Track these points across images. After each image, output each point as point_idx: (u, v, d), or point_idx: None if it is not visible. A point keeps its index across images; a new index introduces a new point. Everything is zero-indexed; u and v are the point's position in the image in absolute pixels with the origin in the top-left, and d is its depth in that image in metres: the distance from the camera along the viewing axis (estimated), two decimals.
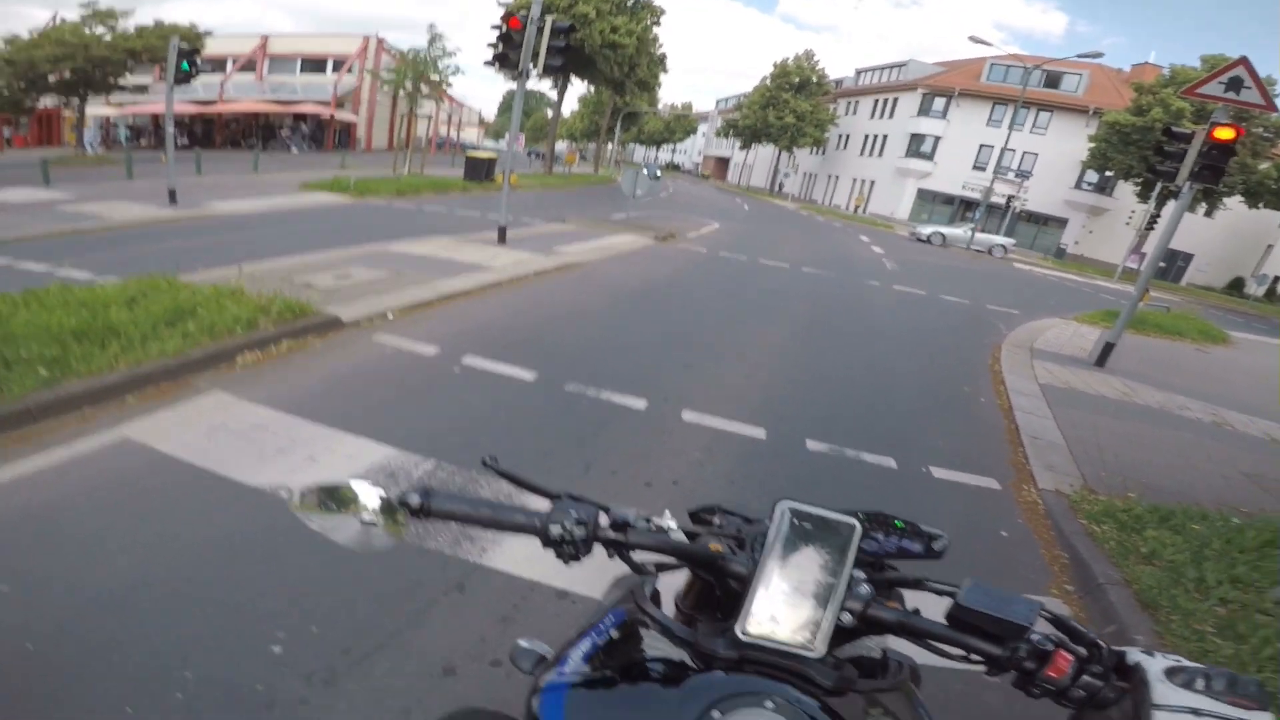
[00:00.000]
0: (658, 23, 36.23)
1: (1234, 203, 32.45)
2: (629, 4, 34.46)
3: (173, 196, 13.33)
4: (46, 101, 27.04)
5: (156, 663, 2.15)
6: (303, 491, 0.85)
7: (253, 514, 3.03)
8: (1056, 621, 0.78)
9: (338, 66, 40.21)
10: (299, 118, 38.30)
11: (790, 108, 48.40)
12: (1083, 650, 0.75)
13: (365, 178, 18.72)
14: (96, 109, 31.93)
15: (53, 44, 23.79)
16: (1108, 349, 9.00)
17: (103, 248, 9.27)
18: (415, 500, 0.84)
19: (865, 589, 0.79)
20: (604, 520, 0.86)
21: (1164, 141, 8.64)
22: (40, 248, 9.13)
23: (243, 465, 3.44)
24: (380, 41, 40.91)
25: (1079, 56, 29.97)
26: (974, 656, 0.78)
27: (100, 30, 24.81)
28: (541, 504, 0.89)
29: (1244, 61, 7.87)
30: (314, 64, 40.90)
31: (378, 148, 41.94)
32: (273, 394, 4.37)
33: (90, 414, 3.86)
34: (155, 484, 3.22)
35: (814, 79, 49.81)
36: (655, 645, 0.86)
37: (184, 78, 13.01)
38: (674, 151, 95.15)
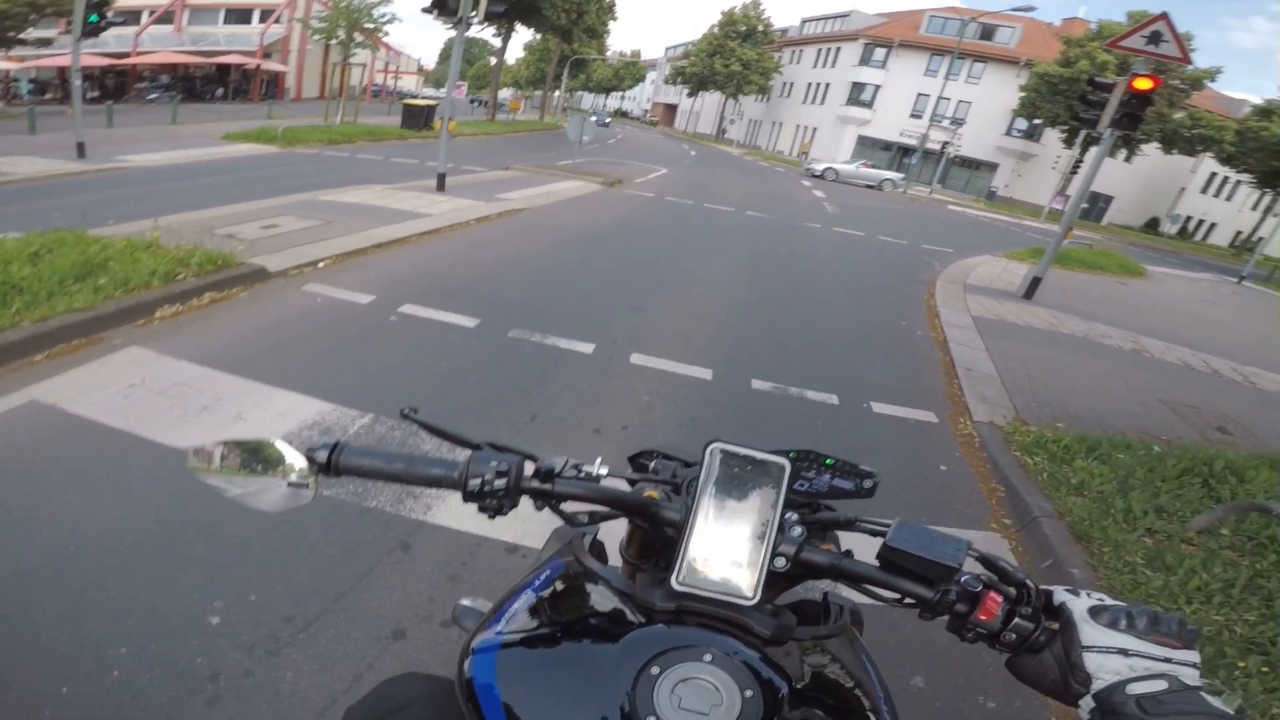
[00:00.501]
0: None
1: (1151, 149, 34.34)
2: None
3: (81, 150, 12.30)
4: None
5: (88, 639, 2.02)
6: (196, 450, 0.80)
7: (176, 477, 2.83)
8: (985, 561, 0.76)
9: (265, 17, 37.55)
10: (221, 68, 35.79)
11: (737, 56, 48.35)
12: (1011, 590, 0.73)
13: (294, 126, 17.56)
14: None
15: None
16: (1035, 283, 9.43)
17: (5, 202, 8.52)
18: (322, 456, 0.79)
19: (798, 531, 0.77)
20: (529, 470, 0.81)
21: (1089, 91, 9.04)
22: None
23: (164, 426, 3.23)
24: None
25: (1013, 10, 30.67)
26: (907, 600, 0.76)
27: None
28: (464, 456, 0.82)
29: (1164, 17, 8.25)
30: (239, 14, 38.02)
31: (308, 97, 39.55)
32: (195, 348, 4.13)
33: None
34: (68, 449, 3.00)
35: (760, 28, 49.79)
36: (596, 598, 0.83)
37: (92, 30, 11.99)
38: (623, 99, 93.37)
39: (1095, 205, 39.83)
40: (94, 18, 11.89)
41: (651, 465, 0.98)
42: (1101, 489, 3.66)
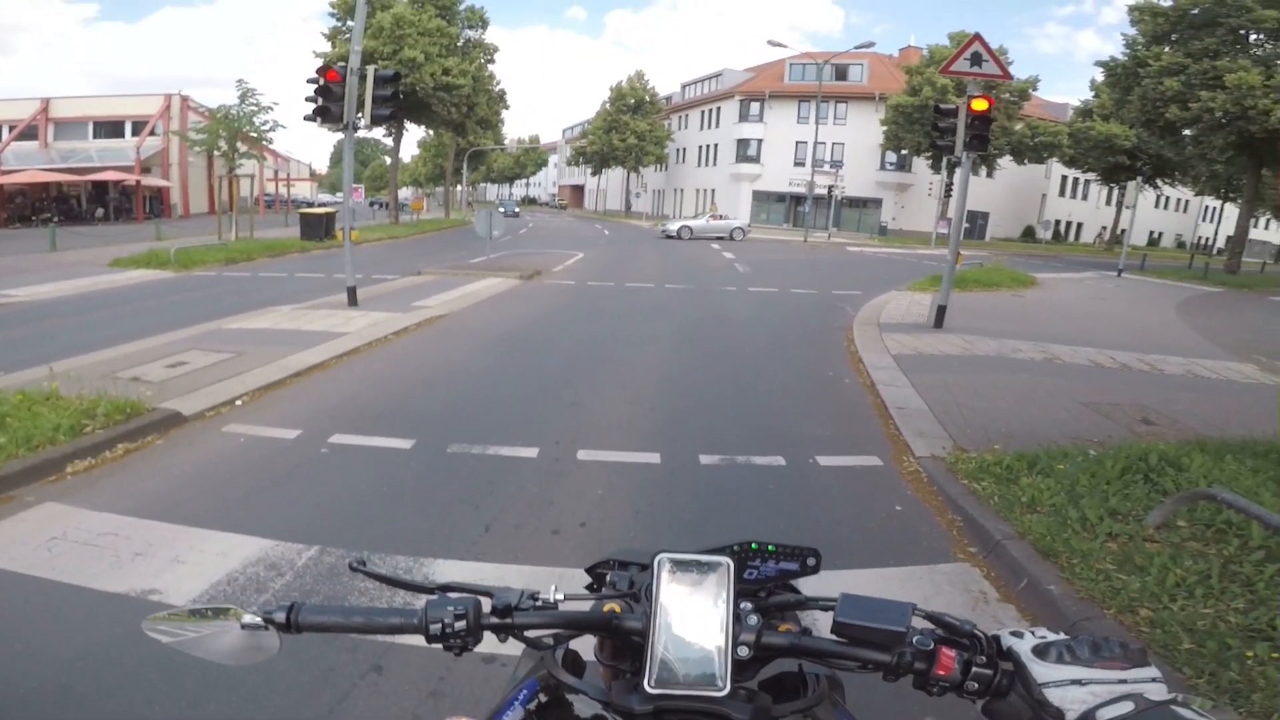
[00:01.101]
0: (492, 60, 35.94)
1: (1005, 162, 37.66)
2: (459, 44, 33.71)
3: None
4: None
5: None
6: (152, 621, 0.83)
7: (123, 617, 2.75)
8: (933, 618, 0.80)
9: (138, 129, 36.20)
10: (98, 185, 34.02)
11: (630, 129, 50.03)
12: (963, 641, 0.78)
13: (187, 247, 16.85)
14: None
15: None
16: (941, 311, 10.02)
17: None
18: (280, 617, 0.82)
19: (754, 619, 0.81)
20: (486, 607, 0.85)
21: (936, 119, 9.82)
22: None
23: (98, 573, 3.14)
24: (185, 100, 37.35)
25: (856, 48, 33.60)
26: (869, 665, 0.80)
27: None
28: (422, 601, 0.87)
29: (977, 38, 9.24)
30: (110, 127, 36.79)
31: (197, 213, 38.18)
32: (116, 499, 3.96)
33: None
34: None
35: (647, 98, 51.95)
36: (579, 708, 0.87)
37: None
38: (528, 185, 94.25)
39: (975, 223, 43.29)
40: None
41: (608, 577, 1.01)
42: (1053, 502, 3.79)
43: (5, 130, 34.28)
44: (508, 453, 4.80)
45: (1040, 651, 0.72)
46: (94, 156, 34.39)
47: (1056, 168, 44.04)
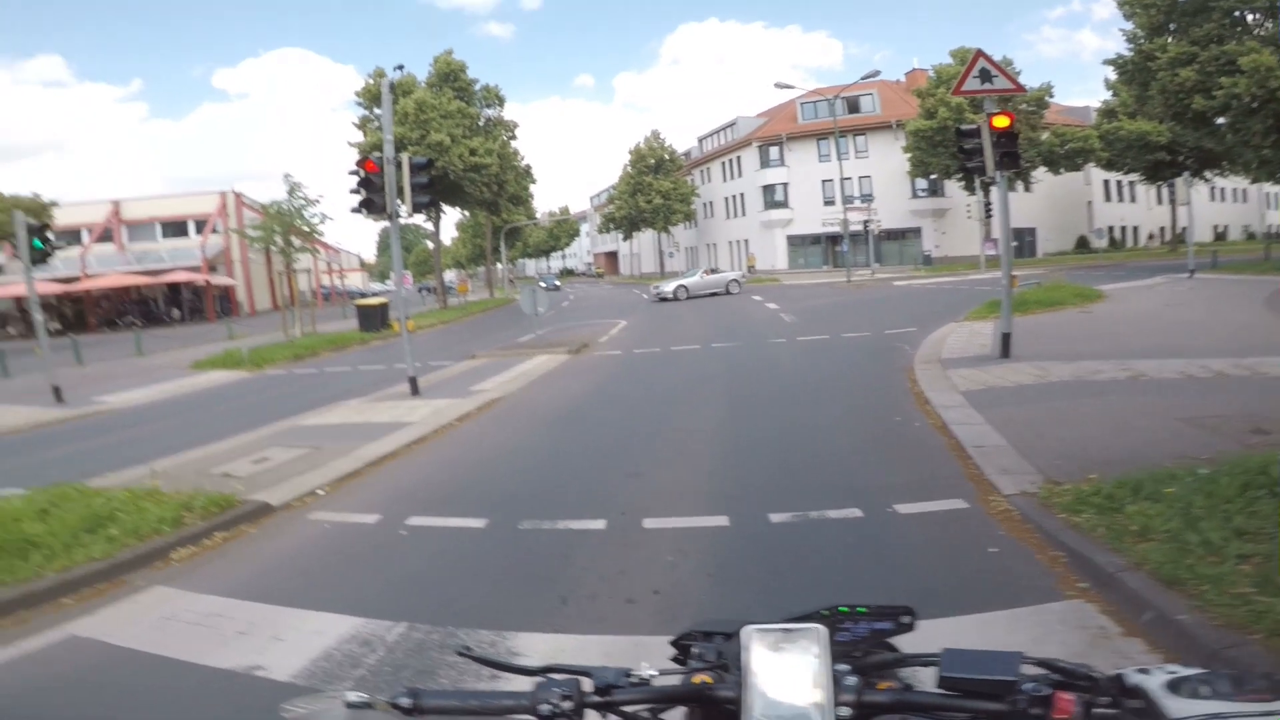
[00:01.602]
0: (514, 137, 36.82)
1: (1040, 174, 36.65)
2: (481, 124, 34.89)
3: (58, 394, 12.62)
4: None
5: None
6: (291, 705, 0.87)
7: (231, 692, 2.99)
8: (1045, 664, 0.79)
9: (200, 228, 38.91)
10: (172, 286, 36.58)
11: (654, 189, 50.45)
12: (1082, 684, 0.75)
13: (258, 346, 18.07)
14: None
15: None
16: (1006, 339, 9.62)
17: None
18: (406, 703, 0.86)
19: (852, 680, 0.81)
20: (587, 685, 0.89)
21: (961, 142, 9.66)
22: None
23: (206, 650, 3.40)
24: (238, 197, 40.07)
25: (863, 79, 33.48)
26: (981, 717, 0.78)
27: None
28: (523, 680, 0.92)
29: (979, 54, 9.16)
30: (175, 227, 39.56)
31: (261, 309, 40.46)
32: (217, 583, 4.31)
33: (27, 616, 3.97)
34: (118, 675, 3.22)
35: (666, 156, 52.44)
36: None
37: (40, 257, 12.55)
38: (564, 257, 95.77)
39: (1023, 240, 41.96)
40: (38, 243, 12.30)
41: (694, 648, 1.02)
42: (1167, 528, 3.51)
43: (84, 234, 36.67)
44: (576, 526, 4.83)
45: (1173, 687, 0.68)
46: (164, 257, 37.13)
47: (1096, 173, 42.64)
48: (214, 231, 38.31)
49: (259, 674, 3.10)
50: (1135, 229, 48.75)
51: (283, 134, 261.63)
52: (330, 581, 4.27)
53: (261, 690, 2.97)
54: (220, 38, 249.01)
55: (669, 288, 30.49)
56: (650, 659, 0.94)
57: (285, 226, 22.49)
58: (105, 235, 37.96)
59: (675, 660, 1.04)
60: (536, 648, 3.21)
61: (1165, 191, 38.60)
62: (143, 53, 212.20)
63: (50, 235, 13.01)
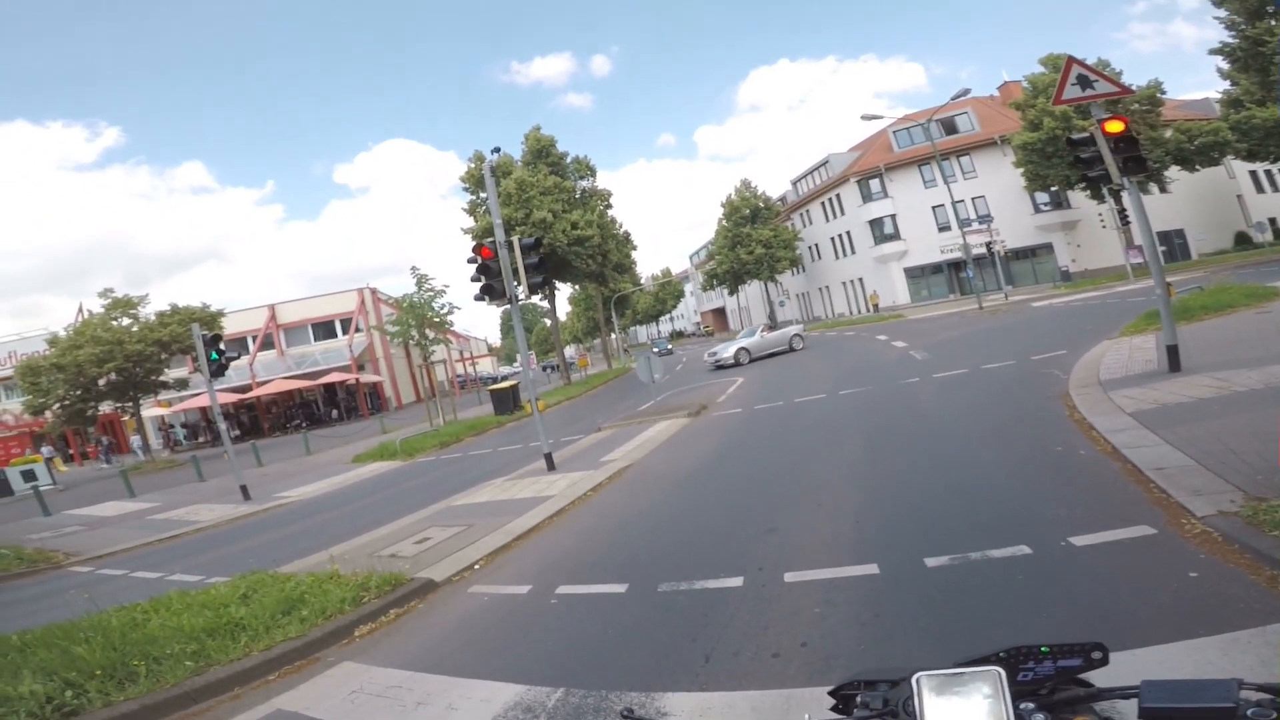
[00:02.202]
0: (610, 205, 37.14)
1: (1174, 173, 33.15)
2: (578, 197, 35.57)
3: (245, 493, 14.45)
4: (104, 407, 28.34)
5: None
6: None
7: None
8: (1270, 688, 0.73)
9: (345, 326, 42.36)
10: (329, 389, 40.10)
11: (754, 239, 49.69)
12: None
13: (408, 437, 19.67)
14: (149, 410, 34.09)
15: (90, 341, 25.18)
16: (1173, 352, 8.65)
17: (201, 549, 10.44)
18: None
19: (1039, 717, 0.78)
20: None
21: (1077, 152, 9.00)
22: (147, 556, 10.64)
23: None
24: (375, 293, 43.92)
25: (953, 98, 31.71)
26: None
27: (126, 321, 26.67)
28: None
29: (1071, 60, 8.59)
30: (323, 328, 43.10)
31: (407, 401, 43.60)
32: (395, 656, 4.74)
33: (240, 693, 4.50)
34: None
35: (761, 204, 51.56)
36: None
37: (218, 369, 14.04)
38: (672, 319, 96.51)
39: (1172, 243, 37.94)
40: (214, 355, 13.91)
41: (858, 698, 0.99)
42: None
43: (249, 341, 41.00)
44: (714, 585, 4.82)
45: None
46: (319, 359, 40.94)
47: (1240, 165, 37.92)
48: (358, 330, 42.10)
49: None
50: None
51: (401, 225, 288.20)
52: (492, 650, 4.54)
53: None
54: (334, 133, 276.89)
55: (728, 352, 25.85)
56: (803, 711, 0.95)
57: (419, 319, 23.56)
58: (266, 341, 42.36)
59: (835, 710, 1.02)
60: (684, 706, 3.25)
61: None
62: (273, 153, 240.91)
63: (223, 346, 14.55)
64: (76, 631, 5.26)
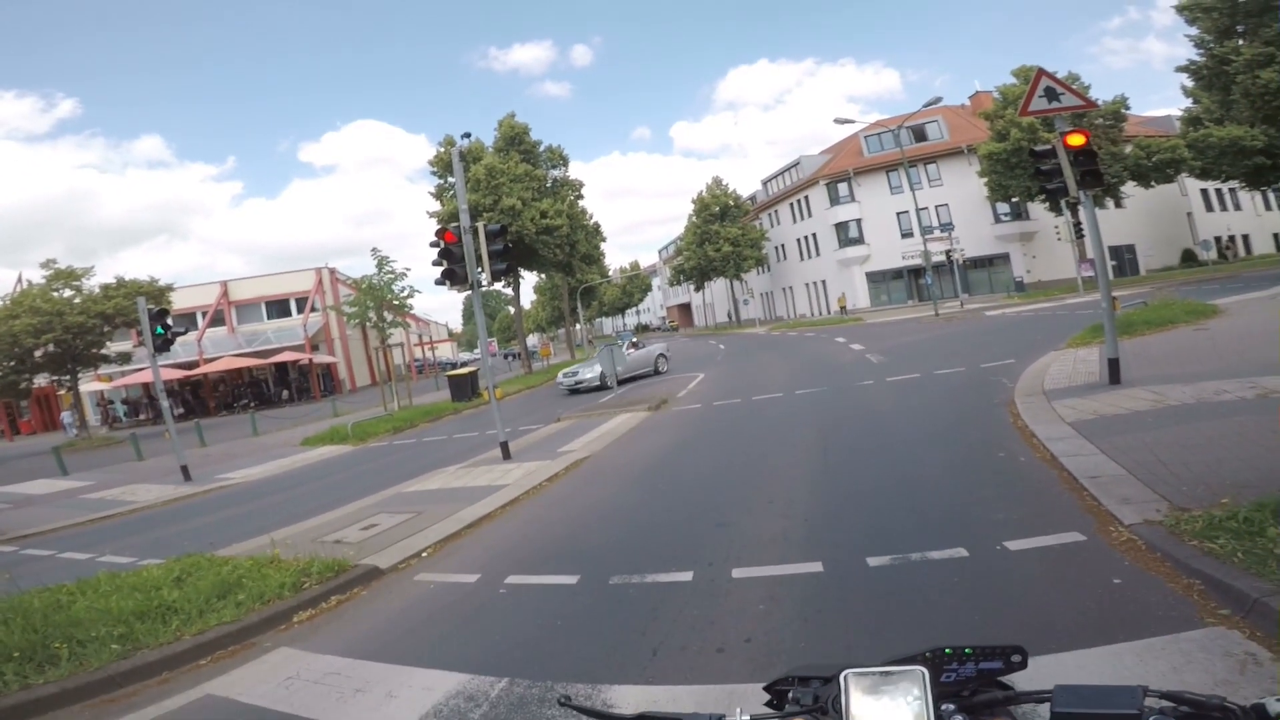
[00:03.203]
0: (581, 196, 36.84)
1: (1130, 189, 34.39)
2: (549, 185, 35.31)
3: (186, 473, 13.90)
4: (40, 380, 27.05)
5: None
6: None
7: None
8: (1171, 697, 0.76)
9: (300, 306, 40.99)
10: (280, 368, 38.86)
11: (722, 237, 49.97)
12: (1215, 714, 0.73)
13: (360, 421, 19.18)
14: (89, 385, 32.59)
15: (28, 312, 24.08)
16: (1114, 365, 9.00)
17: (135, 530, 10.08)
18: None
19: (959, 719, 0.80)
20: None
21: (1039, 163, 9.27)
22: (77, 537, 10.24)
23: (327, 709, 3.65)
24: (333, 273, 42.56)
25: (925, 106, 32.24)
26: None
27: (68, 293, 25.42)
28: None
29: (1041, 72, 8.83)
30: (278, 306, 41.60)
31: (361, 384, 42.48)
32: (335, 643, 4.61)
33: (169, 677, 4.37)
34: None
35: (731, 203, 51.93)
36: None
37: (162, 343, 13.52)
38: (638, 313, 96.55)
39: (1122, 259, 39.40)
40: (160, 330, 13.38)
41: (790, 694, 1.01)
42: None
43: (199, 317, 39.42)
44: (664, 579, 4.85)
45: None
46: (271, 338, 39.48)
47: (1192, 183, 39.55)
48: (313, 310, 40.75)
49: None
50: (1247, 236, 44.72)
51: (365, 206, 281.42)
52: (436, 639, 4.48)
53: None
54: (302, 111, 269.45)
55: (591, 372, 21.24)
56: (745, 706, 0.94)
57: (378, 301, 23.07)
58: (217, 317, 40.68)
59: (770, 706, 1.04)
60: (629, 699, 3.25)
61: (1273, 196, 35.41)
62: (235, 129, 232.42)
63: (169, 321, 14.01)
64: None
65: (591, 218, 38.23)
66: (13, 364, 24.96)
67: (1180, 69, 26.86)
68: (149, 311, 13.36)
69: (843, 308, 43.91)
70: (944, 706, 0.80)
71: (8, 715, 3.98)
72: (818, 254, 48.49)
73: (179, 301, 32.10)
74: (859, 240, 44.66)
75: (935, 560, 4.37)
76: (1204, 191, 42.59)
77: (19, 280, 33.54)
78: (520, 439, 13.22)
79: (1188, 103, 31.66)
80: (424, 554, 6.46)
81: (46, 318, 24.14)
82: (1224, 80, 23.64)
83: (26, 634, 4.64)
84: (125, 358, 29.53)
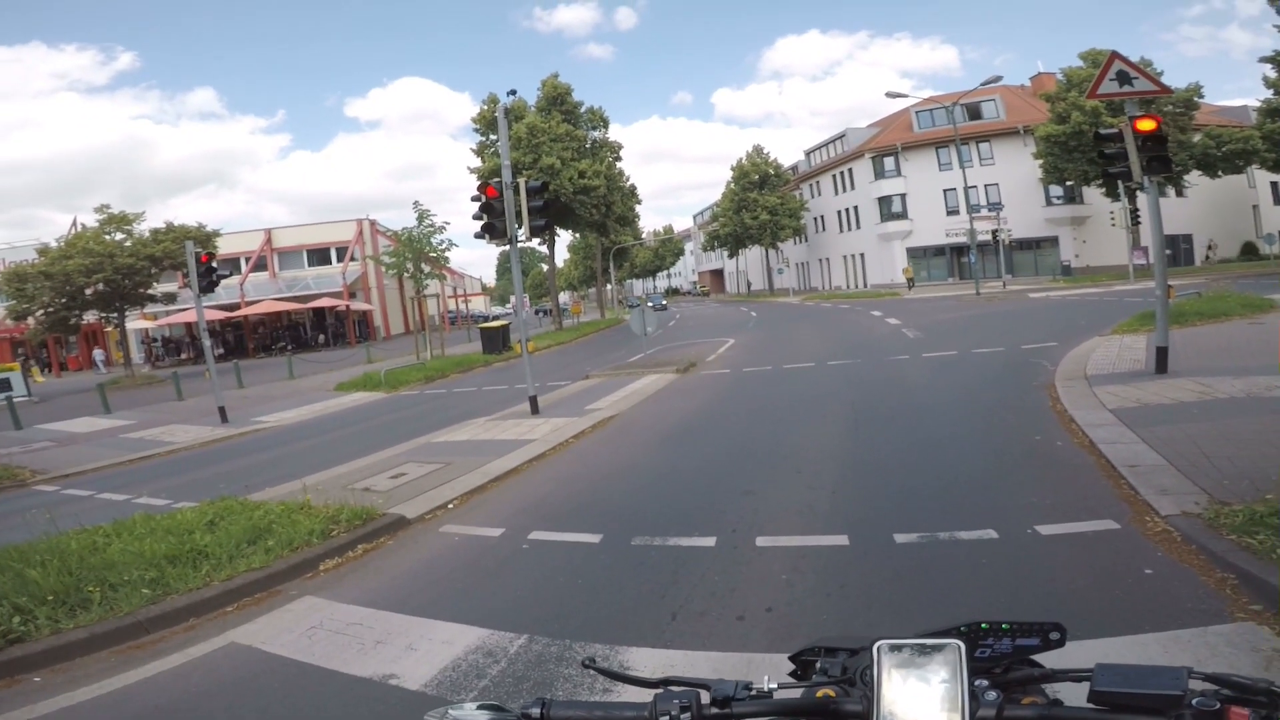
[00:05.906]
0: (619, 158, 36.92)
1: (1195, 178, 32.85)
2: (588, 146, 35.46)
3: (223, 415, 14.21)
4: (89, 317, 27.95)
5: None
6: (433, 716, 0.91)
7: (368, 698, 3.24)
8: (1216, 679, 0.73)
9: (341, 255, 41.97)
10: (318, 313, 39.82)
11: (760, 205, 49.32)
12: (1260, 699, 0.70)
13: (393, 368, 19.49)
14: (134, 323, 33.77)
15: (81, 253, 24.87)
16: (1162, 354, 8.70)
17: (172, 471, 10.28)
18: (536, 713, 0.90)
19: (992, 695, 0.78)
20: (705, 698, 0.88)
21: (1103, 147, 8.92)
22: (116, 477, 10.42)
23: (348, 659, 3.67)
24: (374, 224, 43.31)
25: (983, 84, 31.09)
26: None
27: (120, 236, 26.33)
28: (642, 692, 0.93)
29: (1115, 55, 8.38)
30: (319, 254, 42.77)
31: (396, 333, 43.27)
32: (359, 593, 4.63)
33: (195, 624, 4.37)
34: (269, 681, 3.54)
35: (771, 171, 51.14)
36: None
37: (208, 285, 13.87)
38: (669, 276, 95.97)
39: (1179, 249, 37.76)
40: (205, 269, 13.62)
41: (818, 663, 1.00)
42: None
43: (242, 262, 40.55)
44: (687, 543, 4.86)
45: None
46: (310, 284, 40.49)
47: (1260, 175, 37.52)
48: (353, 259, 41.61)
49: (393, 683, 3.32)
50: None
51: (407, 161, 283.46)
52: (458, 593, 4.52)
53: (395, 699, 3.17)
54: (350, 68, 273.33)
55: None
56: (765, 674, 0.93)
57: (416, 253, 23.39)
58: (260, 263, 41.92)
59: (794, 675, 1.02)
60: (647, 662, 3.27)
61: None
62: (285, 84, 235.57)
63: (215, 265, 14.32)
64: (33, 554, 5.00)
65: (628, 180, 38.26)
66: (64, 301, 25.81)
67: (1265, 59, 25.34)
68: (195, 254, 13.75)
69: (910, 280, 42.34)
70: (977, 682, 0.79)
71: (37, 660, 3.93)
72: (858, 226, 47.51)
73: (224, 247, 32.69)
74: (902, 215, 43.63)
75: (964, 540, 4.32)
76: (1274, 184, 40.38)
77: (74, 224, 34.58)
78: (549, 394, 13.32)
79: (1268, 94, 29.91)
80: (450, 505, 6.54)
81: (98, 259, 24.86)
82: None
83: (62, 576, 4.61)
84: (170, 298, 30.51)
